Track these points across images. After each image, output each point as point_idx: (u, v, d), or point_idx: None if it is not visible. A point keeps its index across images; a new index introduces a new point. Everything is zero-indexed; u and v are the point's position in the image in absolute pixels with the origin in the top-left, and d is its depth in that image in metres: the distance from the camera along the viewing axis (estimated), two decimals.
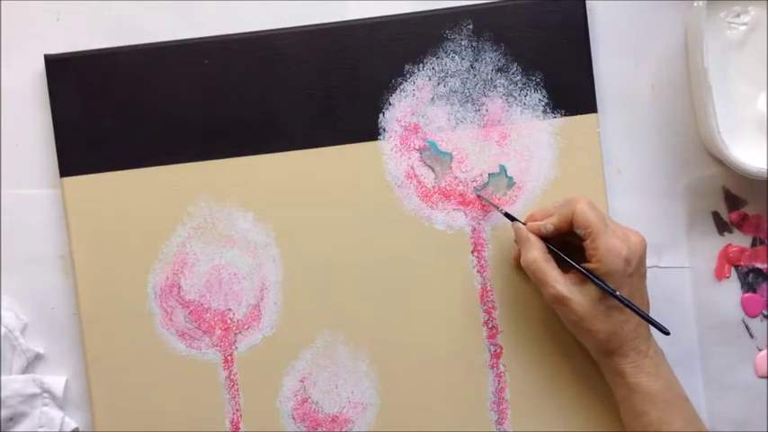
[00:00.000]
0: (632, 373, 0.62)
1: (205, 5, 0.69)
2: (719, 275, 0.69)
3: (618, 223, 0.64)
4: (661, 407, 0.62)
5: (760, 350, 0.69)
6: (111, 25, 0.69)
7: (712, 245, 0.69)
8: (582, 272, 0.62)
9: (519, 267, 0.67)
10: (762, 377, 0.69)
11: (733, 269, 0.69)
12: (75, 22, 0.69)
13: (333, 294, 0.68)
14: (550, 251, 0.64)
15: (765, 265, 0.69)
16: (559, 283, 0.62)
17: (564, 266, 0.63)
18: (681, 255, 0.69)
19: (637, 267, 0.62)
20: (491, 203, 0.68)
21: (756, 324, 0.69)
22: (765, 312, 0.69)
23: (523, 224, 0.65)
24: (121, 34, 0.69)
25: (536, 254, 0.63)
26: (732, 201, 0.69)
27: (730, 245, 0.69)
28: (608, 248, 0.61)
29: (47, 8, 0.69)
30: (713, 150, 0.67)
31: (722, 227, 0.70)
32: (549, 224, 0.63)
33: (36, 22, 0.69)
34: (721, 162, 0.66)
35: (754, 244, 0.69)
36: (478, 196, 0.68)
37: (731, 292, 0.69)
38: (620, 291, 0.61)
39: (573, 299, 0.62)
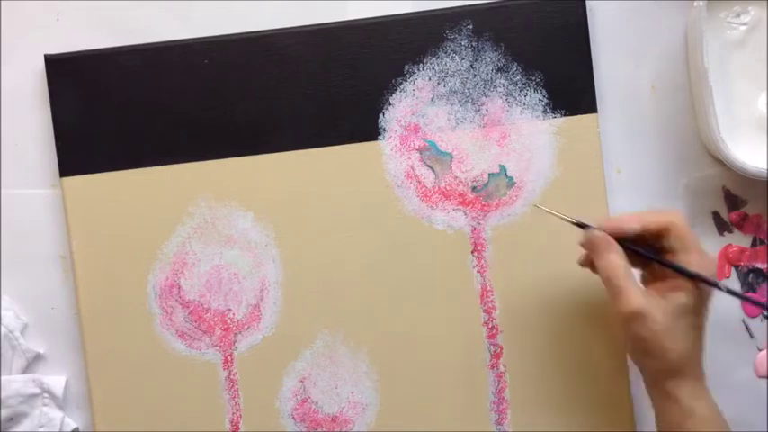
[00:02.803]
0: (689, 396, 0.59)
1: (205, 5, 0.69)
2: (719, 275, 0.69)
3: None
4: None
5: (760, 350, 0.69)
6: (111, 25, 0.69)
7: (712, 245, 0.69)
8: (684, 271, 0.58)
9: (521, 266, 0.67)
10: (762, 377, 0.69)
11: (733, 269, 0.69)
12: (75, 22, 0.69)
13: (333, 294, 0.68)
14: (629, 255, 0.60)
15: (765, 265, 0.69)
16: (640, 295, 0.58)
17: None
18: None
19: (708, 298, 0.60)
20: (557, 215, 0.63)
21: (756, 324, 0.69)
22: (765, 312, 0.69)
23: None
24: (121, 34, 0.69)
25: (618, 259, 0.58)
26: (732, 201, 0.69)
27: (730, 245, 0.69)
28: (701, 266, 0.59)
29: (47, 8, 0.69)
30: (713, 150, 0.67)
31: (722, 227, 0.70)
32: (635, 224, 0.59)
33: (36, 22, 0.69)
34: (721, 162, 0.66)
35: (754, 244, 0.69)
36: (537, 207, 0.65)
37: None
38: (701, 311, 0.59)
39: (653, 313, 0.57)
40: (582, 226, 0.62)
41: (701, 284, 0.59)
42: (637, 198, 0.69)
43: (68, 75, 0.68)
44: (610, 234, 0.60)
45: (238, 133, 0.68)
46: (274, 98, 0.68)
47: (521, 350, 0.68)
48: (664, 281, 0.60)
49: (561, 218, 0.63)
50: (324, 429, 0.68)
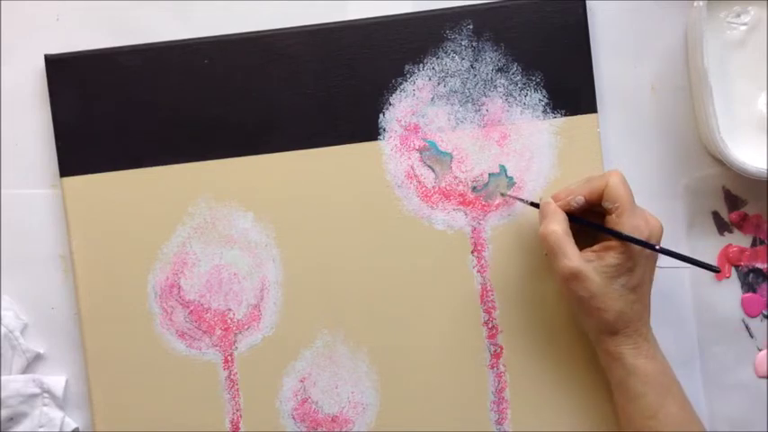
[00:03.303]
0: (632, 354, 0.62)
1: (205, 5, 0.70)
2: (719, 275, 0.69)
3: (638, 205, 0.64)
4: (658, 390, 0.62)
5: (760, 350, 0.69)
6: (111, 25, 0.69)
7: (712, 245, 0.69)
8: (618, 235, 0.61)
9: (521, 266, 0.67)
10: (762, 377, 0.69)
11: (733, 269, 0.69)
12: (75, 22, 0.69)
13: (333, 294, 0.68)
14: (573, 226, 0.63)
15: (765, 265, 0.69)
16: (577, 257, 0.61)
17: (579, 245, 0.63)
18: None
19: (651, 251, 0.63)
20: (517, 198, 0.67)
21: (756, 324, 0.69)
22: (765, 312, 0.69)
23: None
24: (121, 34, 0.69)
25: (557, 226, 0.62)
26: (732, 201, 0.69)
27: (730, 245, 0.69)
28: (633, 226, 0.61)
29: (47, 8, 0.69)
30: (713, 150, 0.67)
31: (722, 227, 0.70)
32: (579, 197, 0.63)
33: (36, 22, 0.69)
34: (721, 162, 0.66)
35: (754, 244, 0.69)
36: (502, 194, 0.68)
37: (731, 292, 0.69)
38: (635, 271, 0.62)
39: (589, 275, 0.61)
40: (536, 206, 0.66)
41: (630, 244, 0.62)
42: (637, 198, 0.69)
43: (68, 75, 0.68)
44: (560, 207, 0.64)
45: (238, 133, 0.68)
46: (274, 98, 0.68)
47: (521, 350, 0.68)
48: (599, 243, 0.63)
49: (521, 201, 0.67)
50: (324, 429, 0.68)
